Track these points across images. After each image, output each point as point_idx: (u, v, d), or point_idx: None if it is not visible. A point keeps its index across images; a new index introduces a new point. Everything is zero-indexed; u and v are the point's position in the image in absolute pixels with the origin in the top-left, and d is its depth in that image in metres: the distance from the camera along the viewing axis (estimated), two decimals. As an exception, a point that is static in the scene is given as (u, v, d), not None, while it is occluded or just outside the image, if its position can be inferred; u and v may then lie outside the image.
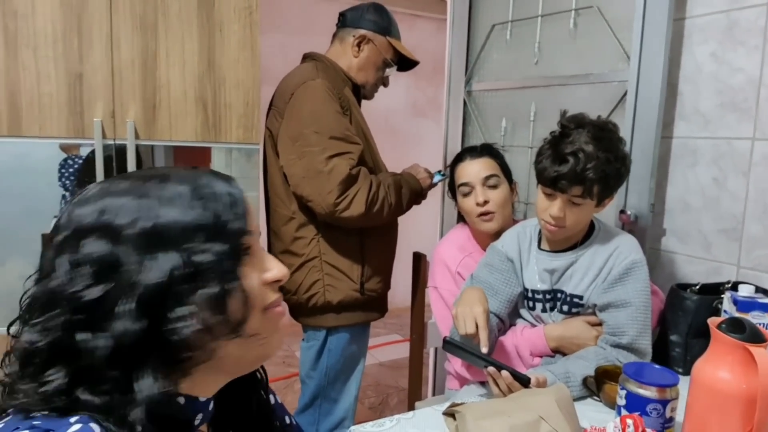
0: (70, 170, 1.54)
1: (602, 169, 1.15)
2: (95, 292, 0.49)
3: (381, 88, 1.86)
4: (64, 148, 1.53)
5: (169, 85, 1.59)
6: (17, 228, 1.48)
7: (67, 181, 1.53)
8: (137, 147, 1.57)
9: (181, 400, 0.55)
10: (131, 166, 1.56)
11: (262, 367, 0.71)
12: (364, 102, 1.84)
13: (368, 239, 1.66)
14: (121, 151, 1.56)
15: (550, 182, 1.20)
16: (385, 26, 1.75)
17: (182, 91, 1.60)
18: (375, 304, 1.74)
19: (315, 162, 1.50)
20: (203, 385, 0.58)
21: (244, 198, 0.59)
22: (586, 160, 1.15)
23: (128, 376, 0.49)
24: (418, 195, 1.72)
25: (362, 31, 1.72)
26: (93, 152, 1.53)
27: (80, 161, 1.55)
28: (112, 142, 1.55)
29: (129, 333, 0.48)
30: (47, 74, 1.45)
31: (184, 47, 1.59)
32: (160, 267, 0.50)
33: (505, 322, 1.39)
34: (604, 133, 1.19)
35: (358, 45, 1.71)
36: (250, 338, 0.56)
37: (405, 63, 1.82)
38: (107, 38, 1.50)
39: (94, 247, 0.50)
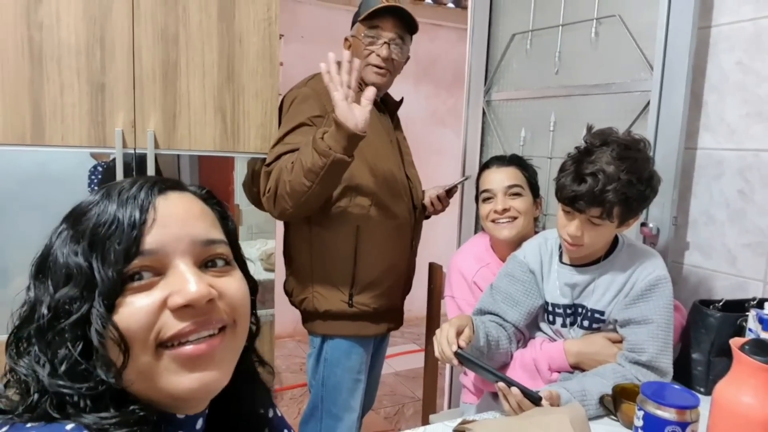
0: (99, 177, 1.57)
1: (623, 191, 1.12)
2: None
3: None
4: (95, 155, 1.56)
5: (189, 95, 1.61)
6: (38, 237, 1.50)
7: (95, 188, 1.57)
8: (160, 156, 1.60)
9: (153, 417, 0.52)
10: (151, 174, 1.58)
11: (263, 382, 0.70)
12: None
13: (364, 249, 1.57)
14: (142, 160, 1.58)
15: (568, 201, 1.17)
16: (358, 13, 1.64)
17: (202, 101, 1.62)
18: (369, 318, 1.63)
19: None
20: (168, 402, 0.54)
21: (144, 211, 0.54)
22: (606, 182, 1.11)
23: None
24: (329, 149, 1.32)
25: (348, 35, 1.68)
26: (113, 161, 1.56)
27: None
28: (132, 151, 1.57)
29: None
30: (70, 85, 1.48)
31: (204, 58, 1.61)
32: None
33: (525, 334, 1.37)
34: (630, 153, 1.14)
35: (349, 48, 1.63)
36: (149, 374, 0.51)
37: (409, 26, 1.62)
38: (129, 49, 1.53)
39: None
